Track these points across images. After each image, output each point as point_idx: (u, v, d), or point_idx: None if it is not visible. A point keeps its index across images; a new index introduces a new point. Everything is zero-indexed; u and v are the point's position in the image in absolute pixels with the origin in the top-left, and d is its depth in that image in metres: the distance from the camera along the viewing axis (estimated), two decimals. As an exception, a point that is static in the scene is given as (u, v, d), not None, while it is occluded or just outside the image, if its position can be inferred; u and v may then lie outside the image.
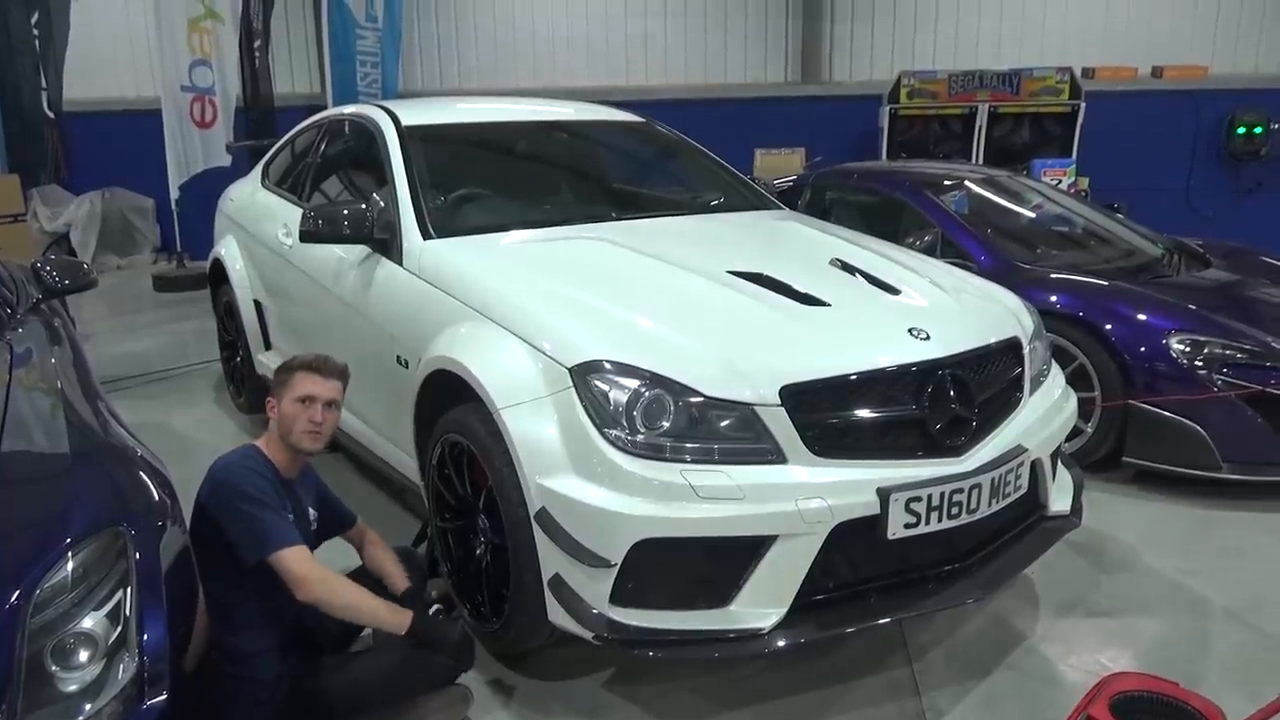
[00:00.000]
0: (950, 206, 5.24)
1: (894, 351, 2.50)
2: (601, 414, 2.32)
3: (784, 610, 2.33)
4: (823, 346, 2.48)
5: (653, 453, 2.28)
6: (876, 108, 9.39)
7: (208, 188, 7.05)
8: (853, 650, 2.85)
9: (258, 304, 4.64)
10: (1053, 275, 4.44)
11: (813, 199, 5.65)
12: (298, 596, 2.28)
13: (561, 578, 2.36)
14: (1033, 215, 5.32)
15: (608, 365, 2.36)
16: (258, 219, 4.64)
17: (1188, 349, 3.91)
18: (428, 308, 2.97)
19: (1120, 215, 5.79)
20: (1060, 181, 8.17)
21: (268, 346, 4.62)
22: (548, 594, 2.39)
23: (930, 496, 2.39)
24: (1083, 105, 8.70)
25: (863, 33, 10.38)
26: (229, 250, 4.88)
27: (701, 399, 2.32)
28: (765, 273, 2.82)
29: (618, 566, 2.26)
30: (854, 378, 2.41)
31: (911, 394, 2.48)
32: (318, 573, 2.32)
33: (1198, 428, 3.85)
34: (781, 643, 2.30)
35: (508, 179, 3.77)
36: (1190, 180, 9.77)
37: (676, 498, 2.24)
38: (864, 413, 2.43)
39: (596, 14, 10.60)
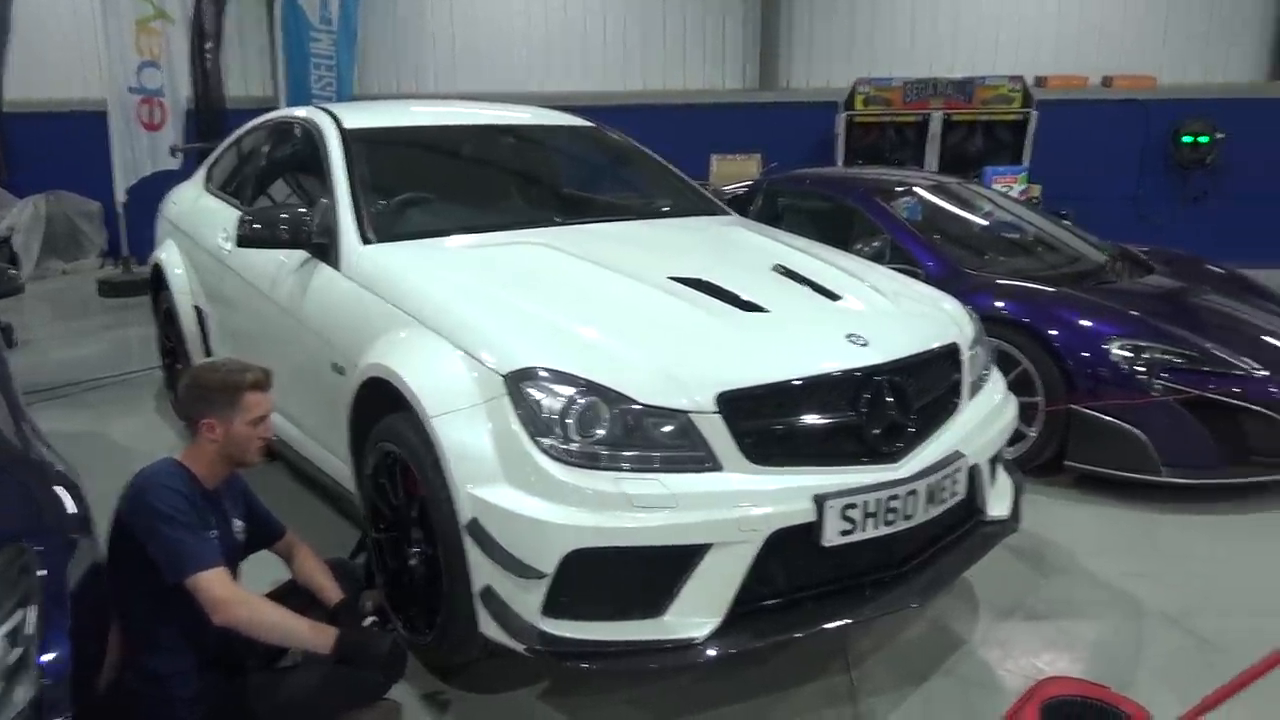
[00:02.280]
0: (902, 213, 5.28)
1: (832, 358, 2.49)
2: (535, 422, 2.29)
3: (719, 619, 2.31)
4: (760, 353, 2.46)
5: (587, 461, 2.25)
6: (833, 114, 9.44)
7: (156, 191, 6.86)
8: (791, 657, 2.84)
9: (198, 310, 4.54)
10: (999, 281, 4.48)
11: (765, 205, 5.66)
12: (215, 620, 2.21)
13: (493, 589, 2.32)
14: (981, 222, 5.38)
15: (542, 373, 2.32)
16: (199, 223, 4.56)
17: (1129, 354, 3.96)
18: (364, 314, 2.92)
19: (1067, 222, 5.87)
20: (1012, 189, 8.27)
21: (209, 354, 4.52)
22: (479, 606, 2.35)
23: (866, 503, 2.38)
24: (1034, 113, 8.81)
25: (820, 40, 10.44)
26: (169, 255, 4.78)
27: (637, 407, 2.29)
28: (706, 278, 2.80)
29: (550, 577, 2.23)
30: (791, 384, 2.40)
31: (849, 400, 2.47)
32: (236, 595, 2.25)
33: (1138, 432, 3.90)
34: (716, 653, 2.28)
35: (452, 183, 3.72)
36: (1139, 188, 9.93)
37: (610, 507, 2.21)
38: (801, 419, 2.41)
39: (555, 19, 10.57)
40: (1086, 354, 4.00)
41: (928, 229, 5.03)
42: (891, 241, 4.77)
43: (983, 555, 2.86)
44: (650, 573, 2.28)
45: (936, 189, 5.57)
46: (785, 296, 2.80)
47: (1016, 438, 4.19)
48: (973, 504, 2.86)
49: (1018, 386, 4.15)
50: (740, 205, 5.70)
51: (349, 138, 3.57)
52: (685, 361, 2.38)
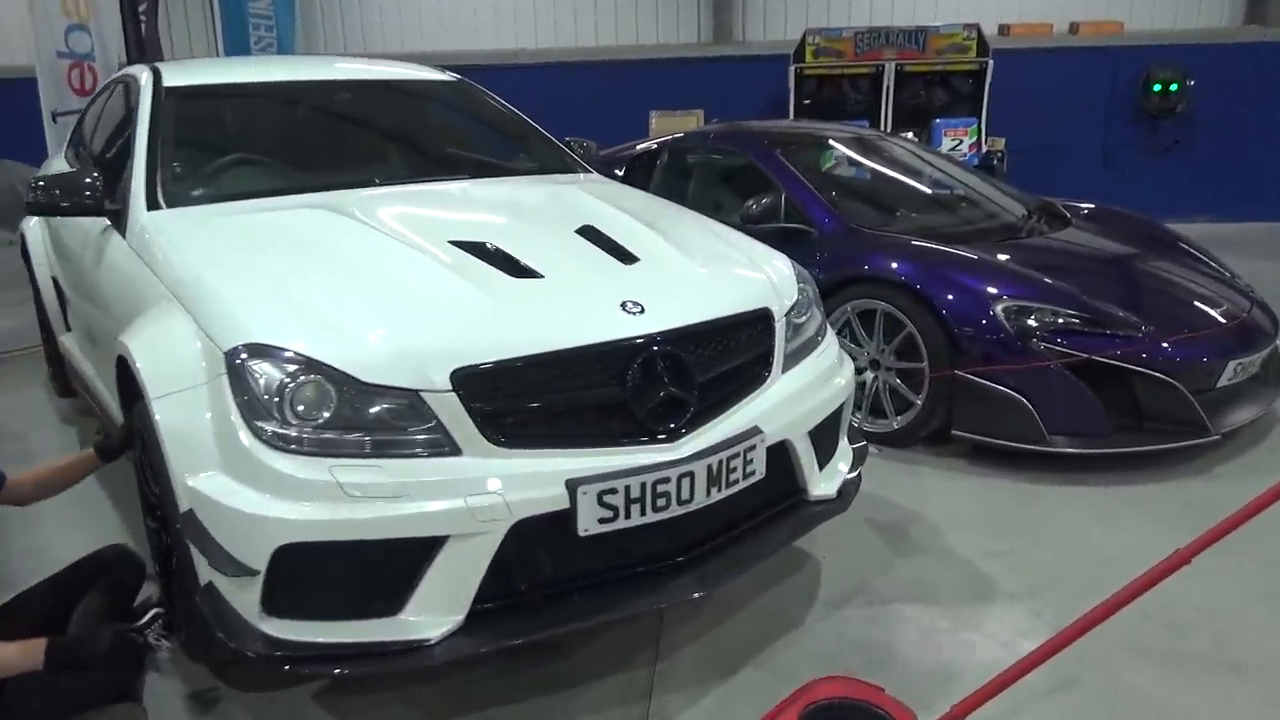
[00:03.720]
0: (830, 165, 5.05)
1: (595, 327, 2.25)
2: (252, 404, 2.07)
3: (460, 617, 2.11)
4: (512, 324, 2.22)
5: (303, 447, 2.04)
6: (786, 68, 9.10)
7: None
8: (599, 648, 2.64)
9: (56, 282, 4.34)
10: (891, 240, 4.22)
11: (671, 162, 5.39)
12: None
13: (214, 586, 2.12)
14: (896, 177, 5.08)
15: (261, 349, 2.10)
16: (53, 191, 4.33)
17: (1015, 316, 3.70)
18: (136, 286, 2.70)
19: (993, 176, 5.61)
20: (961, 142, 7.96)
21: (69, 328, 4.33)
22: (199, 603, 2.16)
23: (628, 488, 2.16)
24: (990, 63, 8.44)
25: (776, -10, 10.09)
26: (32, 225, 4.58)
27: (361, 385, 2.07)
28: (492, 242, 2.56)
29: (263, 575, 2.03)
30: (540, 358, 2.17)
31: (615, 374, 2.23)
32: None
33: (1022, 399, 3.65)
34: (448, 656, 2.08)
35: (272, 143, 3.46)
36: (1107, 139, 9.57)
37: (324, 498, 2.00)
38: (555, 397, 2.19)
39: (504, -26, 10.24)
40: (970, 316, 3.74)
41: (828, 185, 4.76)
42: (786, 198, 4.52)
43: (796, 538, 2.66)
44: (380, 568, 2.07)
45: (854, 142, 5.28)
46: (571, 260, 2.56)
47: (904, 406, 3.98)
48: (793, 482, 2.64)
49: (907, 351, 3.94)
50: (646, 164, 5.47)
51: (164, 95, 3.35)
52: (424, 335, 2.16)
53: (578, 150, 3.96)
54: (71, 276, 3.74)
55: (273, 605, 2.07)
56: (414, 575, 2.08)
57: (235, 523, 2.03)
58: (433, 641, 2.08)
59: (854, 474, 2.85)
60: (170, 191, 2.99)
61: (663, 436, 2.25)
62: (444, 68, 4.12)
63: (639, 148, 5.59)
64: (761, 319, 2.57)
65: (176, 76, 3.52)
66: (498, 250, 2.52)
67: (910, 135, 8.46)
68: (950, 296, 3.79)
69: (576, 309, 2.32)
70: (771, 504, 2.61)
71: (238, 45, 9.54)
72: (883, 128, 8.54)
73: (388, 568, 2.07)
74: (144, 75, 3.55)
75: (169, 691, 2.52)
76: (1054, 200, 5.12)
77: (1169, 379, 3.63)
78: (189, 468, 2.11)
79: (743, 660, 2.61)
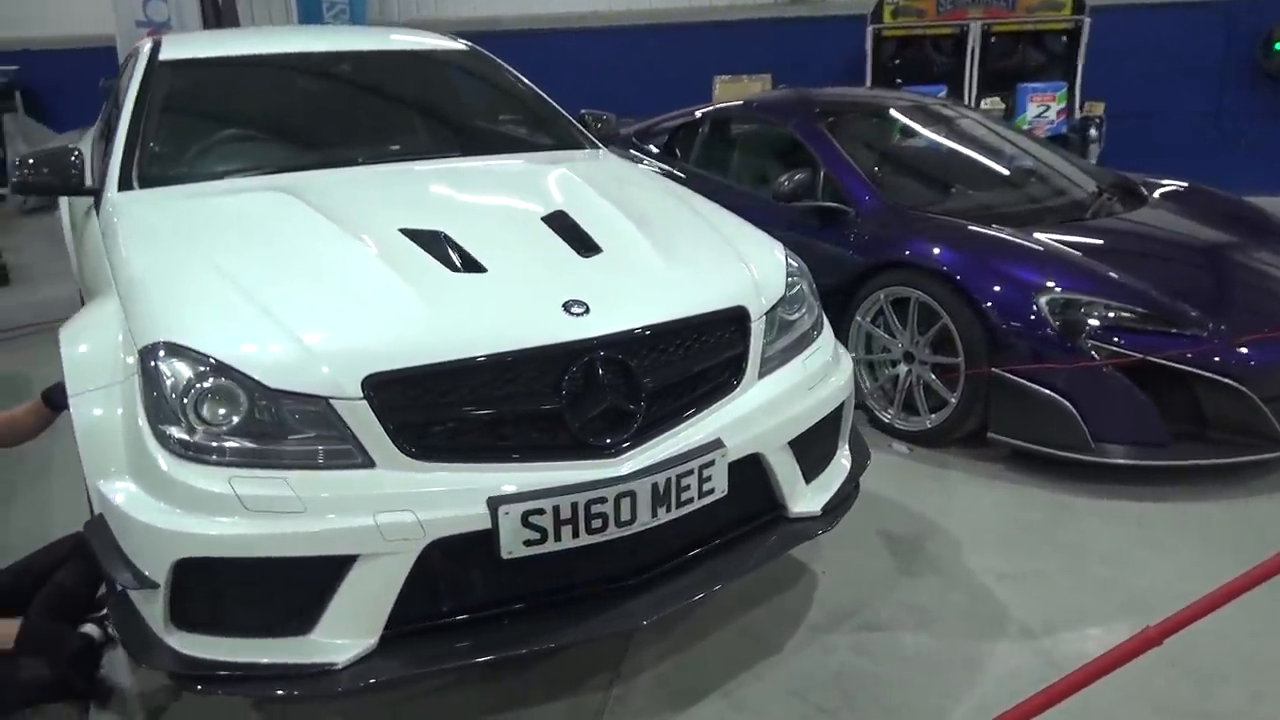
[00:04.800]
0: (867, 138, 4.68)
1: (529, 329, 2.05)
2: (160, 407, 1.95)
3: (373, 641, 1.96)
4: (436, 325, 2.03)
5: (206, 455, 1.91)
6: (864, 29, 8.60)
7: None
8: (557, 666, 2.48)
9: (83, 256, 4.38)
10: (931, 222, 3.86)
11: (712, 133, 5.10)
12: None
13: (128, 595, 2.03)
14: (952, 150, 4.68)
15: (175, 348, 1.97)
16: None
17: (1061, 310, 3.34)
18: (99, 271, 2.63)
19: (1087, 144, 5.15)
20: (1048, 108, 7.39)
21: (96, 301, 4.36)
22: (111, 610, 2.07)
23: (557, 508, 1.97)
24: (1087, 20, 7.77)
25: (860, -54, 9.51)
26: (63, 201, 4.62)
27: (268, 391, 1.92)
28: (445, 231, 2.38)
29: (164, 589, 1.92)
30: (463, 364, 1.98)
31: (549, 382, 2.03)
32: None
33: (1065, 402, 3.30)
34: (356, 681, 1.93)
35: (259, 119, 3.30)
36: (1221, 104, 8.76)
37: (219, 510, 1.87)
38: (480, 406, 2.00)
39: (579, -65, 9.96)
40: (1010, 309, 3.40)
41: (875, 160, 4.41)
42: (825, 173, 4.20)
43: (772, 559, 2.42)
44: (288, 586, 1.94)
45: (911, 112, 4.89)
46: (524, 252, 2.35)
47: (938, 405, 3.67)
48: (770, 498, 2.41)
49: (943, 345, 3.61)
50: (685, 135, 5.20)
51: (159, 67, 3.27)
52: (338, 337, 1.99)
53: (593, 125, 3.73)
54: (77, 255, 3.74)
55: (181, 619, 1.96)
56: (323, 594, 1.94)
57: (136, 533, 1.92)
58: (339, 666, 1.94)
59: (848, 488, 2.58)
60: (146, 171, 2.90)
61: (602, 452, 2.05)
62: (499, 33, 3.92)
63: (681, 118, 5.31)
64: (734, 319, 2.32)
65: (176, 49, 3.44)
66: (449, 240, 2.34)
67: (997, 101, 7.92)
68: (988, 286, 3.45)
69: (512, 308, 2.11)
70: (746, 521, 2.38)
71: (311, 13, 9.58)
72: (967, 94, 8.00)
73: (295, 586, 1.94)
74: (145, 46, 3.48)
75: (118, 688, 2.46)
76: (1133, 176, 4.65)
77: (1238, 385, 3.21)
78: (99, 470, 2.01)
79: (708, 689, 2.40)
